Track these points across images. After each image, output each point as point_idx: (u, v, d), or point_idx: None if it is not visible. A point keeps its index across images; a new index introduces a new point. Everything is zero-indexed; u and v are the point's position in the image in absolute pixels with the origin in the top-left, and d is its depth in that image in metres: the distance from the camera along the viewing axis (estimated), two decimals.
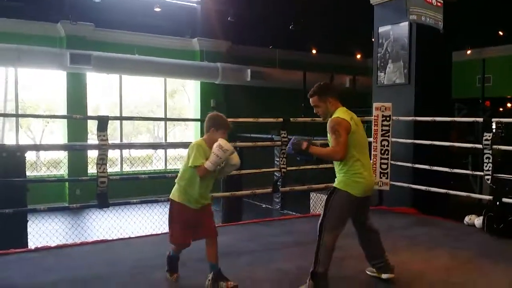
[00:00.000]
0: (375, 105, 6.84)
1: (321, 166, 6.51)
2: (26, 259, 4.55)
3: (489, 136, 5.62)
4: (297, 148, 3.62)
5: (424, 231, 5.70)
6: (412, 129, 6.93)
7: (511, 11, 10.10)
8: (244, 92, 13.14)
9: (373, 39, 7.80)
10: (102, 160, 5.26)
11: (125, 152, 12.34)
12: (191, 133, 13.27)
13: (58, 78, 11.27)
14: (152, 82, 12.95)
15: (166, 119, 13.46)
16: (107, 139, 5.27)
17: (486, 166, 5.64)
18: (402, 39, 7.13)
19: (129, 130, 13.26)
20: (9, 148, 5.38)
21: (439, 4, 6.85)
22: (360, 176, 3.57)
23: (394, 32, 7.26)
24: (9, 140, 11.00)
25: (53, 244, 5.25)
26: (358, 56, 14.49)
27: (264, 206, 10.40)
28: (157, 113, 13.25)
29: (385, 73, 7.42)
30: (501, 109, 12.63)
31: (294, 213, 8.51)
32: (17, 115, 11.53)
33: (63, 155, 10.86)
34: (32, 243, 5.66)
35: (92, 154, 9.81)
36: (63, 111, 11.11)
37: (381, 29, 7.48)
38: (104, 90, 12.59)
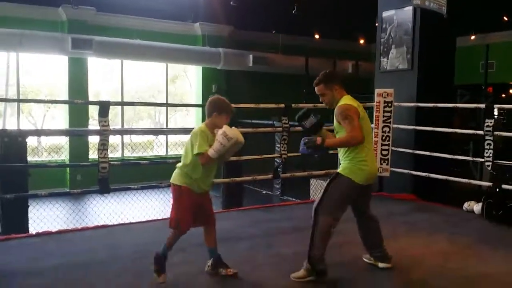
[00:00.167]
0: (377, 91, 6.81)
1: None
2: (27, 244, 4.58)
3: (491, 122, 5.60)
4: (312, 145, 3.54)
5: (424, 217, 5.72)
6: (413, 115, 6.91)
7: None
8: (246, 78, 13.08)
9: (376, 24, 7.74)
10: (103, 146, 5.27)
11: (126, 138, 12.35)
12: (192, 119, 13.26)
13: (60, 63, 11.24)
14: (154, 67, 12.90)
15: (167, 105, 13.43)
16: (108, 125, 5.28)
17: (487, 153, 5.63)
18: (405, 24, 7.06)
19: (130, 115, 13.26)
20: (10, 133, 5.39)
21: None
22: (365, 164, 3.57)
23: (398, 17, 7.20)
24: (11, 125, 11.00)
25: (54, 229, 5.27)
26: (361, 42, 14.37)
27: (264, 192, 10.42)
28: (158, 99, 13.23)
29: (388, 59, 7.37)
30: (503, 95, 12.55)
31: (294, 199, 8.52)
32: (18, 100, 11.52)
33: (64, 141, 10.90)
34: (33, 228, 5.69)
35: (93, 140, 9.82)
36: (65, 96, 11.10)
37: (385, 14, 7.41)
38: (105, 75, 12.56)
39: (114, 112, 12.02)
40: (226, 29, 12.82)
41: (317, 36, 13.62)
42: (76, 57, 10.88)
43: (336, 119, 3.60)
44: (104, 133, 5.26)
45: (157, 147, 12.63)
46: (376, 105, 6.73)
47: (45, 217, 6.62)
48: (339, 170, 3.66)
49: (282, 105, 6.47)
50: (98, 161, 5.26)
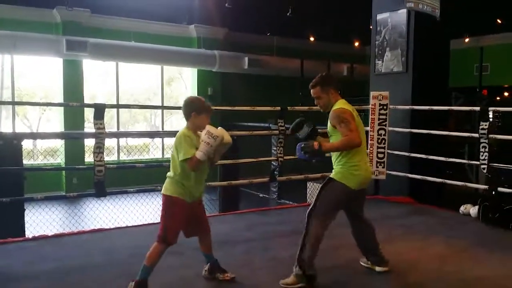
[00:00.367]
0: (372, 93, 6.83)
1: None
2: (23, 248, 4.57)
3: (486, 125, 5.62)
4: (309, 150, 3.51)
5: (420, 220, 5.73)
6: (409, 118, 6.93)
7: None
8: (242, 80, 13.09)
9: (371, 27, 7.76)
10: (99, 149, 5.25)
11: (122, 141, 12.31)
12: None
13: (55, 65, 11.19)
14: (149, 69, 12.88)
15: (163, 107, 13.40)
16: (104, 128, 5.26)
17: (482, 156, 5.65)
18: (400, 26, 7.10)
19: (126, 118, 13.22)
20: (5, 136, 5.37)
21: None
22: (358, 169, 3.57)
23: (392, 19, 7.23)
24: (6, 128, 10.95)
25: (50, 233, 5.26)
26: (356, 44, 14.41)
27: (261, 195, 10.41)
28: (154, 101, 13.20)
29: (382, 61, 7.40)
30: (498, 98, 12.60)
31: (290, 202, 8.53)
32: (13, 103, 11.47)
33: (59, 144, 10.84)
34: (29, 232, 5.67)
35: (89, 143, 9.78)
36: (60, 99, 11.05)
37: (379, 16, 7.44)
38: (100, 78, 12.53)
39: (109, 115, 11.98)
40: (221, 31, 12.82)
41: (312, 39, 13.65)
42: (71, 59, 10.84)
43: (331, 123, 3.59)
44: (100, 136, 5.25)
45: (153, 150, 12.59)
46: (372, 108, 6.75)
47: (41, 220, 6.59)
48: (332, 175, 3.64)
49: (278, 108, 6.48)
50: (94, 164, 5.24)
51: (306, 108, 6.87)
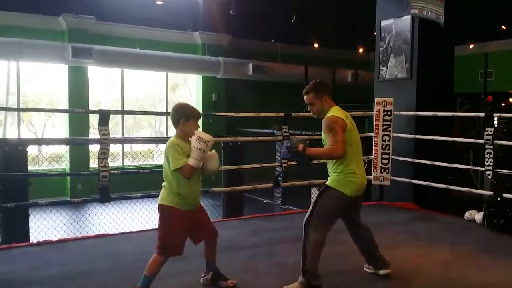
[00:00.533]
0: (376, 100, 6.83)
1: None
2: (28, 253, 4.57)
3: (491, 131, 5.61)
4: (293, 151, 3.54)
5: (425, 226, 5.71)
6: (413, 124, 6.91)
7: None
8: (246, 87, 13.12)
9: (375, 33, 7.77)
10: (103, 155, 5.26)
11: (127, 147, 12.36)
12: None
13: (60, 71, 11.27)
14: (154, 76, 12.94)
15: (167, 113, 13.39)
16: (108, 133, 5.27)
17: (487, 162, 5.63)
18: (404, 33, 7.10)
19: (131, 124, 13.28)
20: (10, 142, 5.38)
21: None
22: (354, 176, 3.56)
23: (396, 26, 7.23)
24: (11, 134, 11.01)
25: (54, 238, 5.28)
26: (360, 50, 14.44)
27: (265, 201, 10.41)
28: (158, 108, 13.26)
29: (387, 68, 7.40)
30: (503, 104, 12.58)
31: (295, 208, 8.52)
32: (18, 109, 11.55)
33: (64, 149, 10.89)
34: (34, 237, 5.69)
35: (94, 149, 9.81)
36: (65, 105, 11.11)
37: (384, 23, 7.45)
38: (105, 84, 12.59)
39: (114, 121, 12.04)
40: (225, 38, 12.88)
41: (316, 45, 13.68)
42: (76, 66, 10.91)
43: (323, 130, 3.59)
44: (104, 142, 5.26)
45: (158, 156, 12.62)
46: (376, 114, 6.74)
47: (46, 226, 6.61)
48: (328, 182, 3.63)
49: (282, 114, 6.48)
50: (99, 170, 5.25)
51: (310, 114, 6.87)
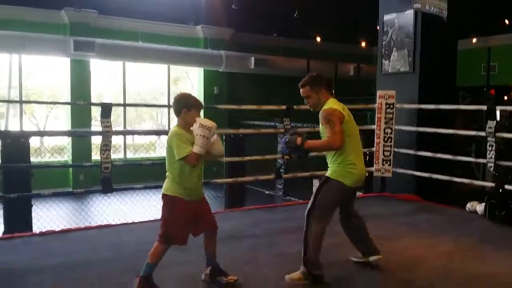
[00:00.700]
0: (379, 93, 6.83)
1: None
2: (31, 243, 4.60)
3: (493, 124, 5.62)
4: (292, 145, 3.54)
5: (427, 218, 5.72)
6: (415, 117, 6.91)
7: None
8: (248, 80, 13.10)
9: (378, 27, 7.75)
10: (105, 146, 5.29)
11: (129, 139, 12.37)
12: None
13: (62, 64, 11.27)
14: (156, 69, 12.93)
15: (169, 106, 13.43)
16: (110, 126, 5.29)
17: (489, 154, 5.65)
18: (407, 27, 7.09)
19: (133, 117, 13.29)
20: (13, 134, 5.41)
21: None
22: (354, 167, 3.58)
23: (399, 20, 7.22)
24: (13, 126, 11.03)
25: (57, 229, 5.30)
26: (363, 44, 14.38)
27: (267, 192, 10.42)
28: (160, 100, 13.27)
29: (389, 61, 7.39)
30: (505, 97, 12.55)
31: (296, 199, 8.52)
32: (21, 102, 11.55)
33: (67, 141, 10.91)
34: (36, 228, 5.70)
35: (96, 141, 9.84)
36: (67, 98, 11.13)
37: (386, 17, 7.43)
38: (107, 77, 12.60)
39: (116, 113, 12.05)
40: (227, 32, 12.85)
41: (318, 39, 13.64)
42: (79, 59, 10.91)
43: (321, 122, 3.60)
44: (107, 134, 5.28)
45: (159, 148, 12.64)
46: (378, 107, 6.74)
47: (49, 216, 6.63)
48: (328, 174, 3.65)
49: (284, 107, 6.49)
50: (101, 162, 5.28)
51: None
